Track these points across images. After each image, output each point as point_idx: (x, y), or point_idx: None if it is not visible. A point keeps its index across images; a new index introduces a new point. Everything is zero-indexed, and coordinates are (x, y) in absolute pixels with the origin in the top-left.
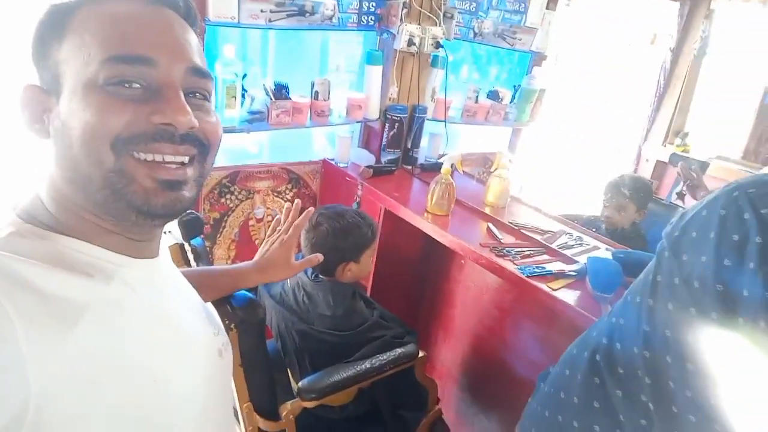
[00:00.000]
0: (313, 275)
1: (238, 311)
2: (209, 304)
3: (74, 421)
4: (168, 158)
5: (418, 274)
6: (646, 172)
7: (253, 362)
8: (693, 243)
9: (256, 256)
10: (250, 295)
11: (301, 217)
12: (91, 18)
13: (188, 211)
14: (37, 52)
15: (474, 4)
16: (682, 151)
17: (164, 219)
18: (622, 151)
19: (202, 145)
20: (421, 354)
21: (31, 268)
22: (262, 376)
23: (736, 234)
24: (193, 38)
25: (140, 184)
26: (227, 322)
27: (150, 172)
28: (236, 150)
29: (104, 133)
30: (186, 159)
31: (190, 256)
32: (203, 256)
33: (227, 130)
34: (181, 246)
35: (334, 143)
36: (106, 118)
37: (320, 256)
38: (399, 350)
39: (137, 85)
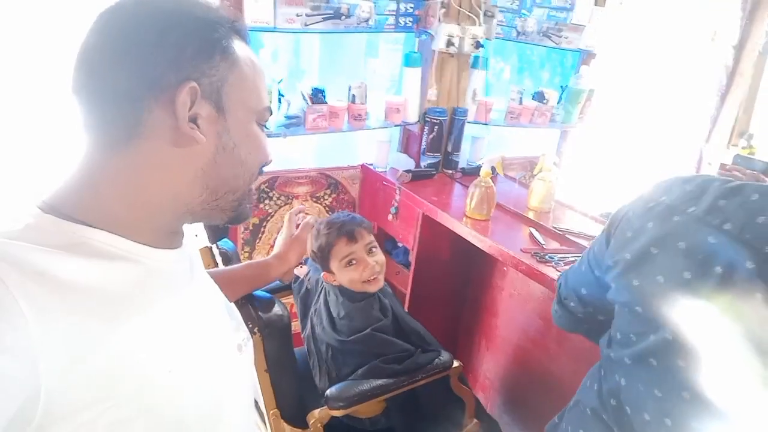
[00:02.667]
0: None
1: (262, 314)
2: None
3: (86, 410)
4: None
5: (458, 281)
6: None
7: (278, 367)
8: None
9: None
10: (270, 295)
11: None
12: (246, 58)
13: None
14: (202, 54)
15: (517, 2)
16: (748, 153)
17: None
18: (682, 153)
19: None
20: (456, 364)
21: (47, 257)
22: (288, 381)
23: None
24: None
25: (252, 202)
26: (251, 326)
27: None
28: (275, 155)
29: (262, 161)
30: None
31: (218, 259)
32: (234, 260)
33: None
34: (210, 248)
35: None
36: (266, 151)
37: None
38: (433, 359)
39: None
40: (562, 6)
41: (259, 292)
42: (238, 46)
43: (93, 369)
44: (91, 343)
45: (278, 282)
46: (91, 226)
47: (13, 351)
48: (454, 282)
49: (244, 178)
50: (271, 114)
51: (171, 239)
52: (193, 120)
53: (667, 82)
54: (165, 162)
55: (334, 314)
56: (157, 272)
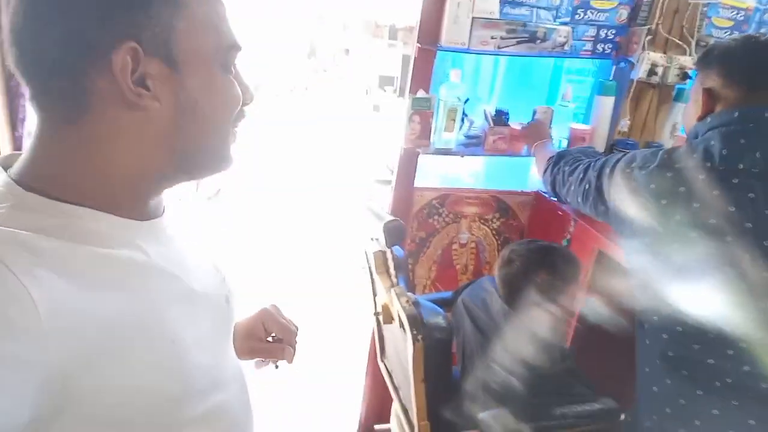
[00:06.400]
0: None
1: (427, 323)
2: (213, 254)
3: (99, 394)
4: None
5: (632, 326)
6: None
7: (436, 379)
8: None
9: None
10: (438, 307)
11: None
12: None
13: (393, 218)
14: (136, 3)
15: (736, 33)
16: None
17: None
18: None
19: None
20: (624, 416)
21: (43, 240)
22: (444, 395)
23: None
24: None
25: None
26: (415, 332)
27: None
28: (450, 172)
29: (232, 112)
30: None
31: (391, 264)
32: (402, 267)
33: (442, 152)
34: (384, 253)
35: None
36: (235, 100)
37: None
38: (596, 405)
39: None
40: None
41: (427, 303)
42: None
43: (105, 350)
44: (101, 325)
45: (450, 293)
46: (79, 204)
47: (26, 339)
48: (626, 326)
49: (216, 132)
50: (240, 50)
51: (152, 209)
52: (141, 82)
53: None
54: (123, 130)
55: (524, 345)
56: (149, 244)
